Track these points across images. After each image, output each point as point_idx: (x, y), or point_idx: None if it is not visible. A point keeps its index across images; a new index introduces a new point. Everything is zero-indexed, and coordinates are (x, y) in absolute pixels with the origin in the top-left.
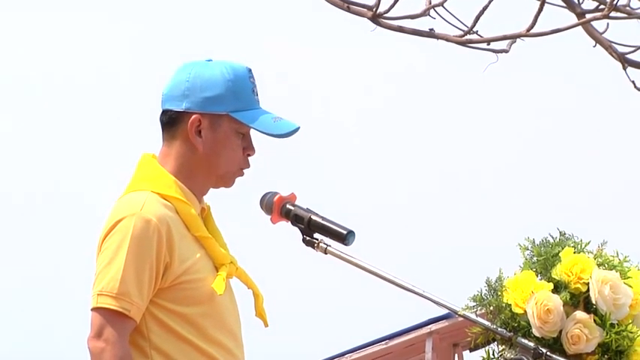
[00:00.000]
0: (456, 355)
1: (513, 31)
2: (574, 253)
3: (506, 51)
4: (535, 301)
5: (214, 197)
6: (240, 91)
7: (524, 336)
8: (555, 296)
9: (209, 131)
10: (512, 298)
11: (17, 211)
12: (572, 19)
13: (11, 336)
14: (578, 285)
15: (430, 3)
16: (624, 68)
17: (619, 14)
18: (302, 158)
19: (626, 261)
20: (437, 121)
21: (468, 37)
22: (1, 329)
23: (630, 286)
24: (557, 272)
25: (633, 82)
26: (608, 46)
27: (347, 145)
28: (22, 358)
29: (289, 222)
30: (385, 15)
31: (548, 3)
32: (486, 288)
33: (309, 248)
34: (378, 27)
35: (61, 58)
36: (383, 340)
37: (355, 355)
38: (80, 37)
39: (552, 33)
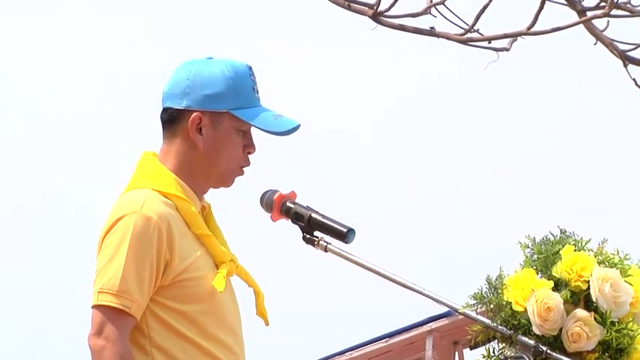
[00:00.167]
0: (457, 353)
1: (514, 29)
2: (574, 251)
3: (507, 49)
4: (535, 299)
5: (215, 196)
6: (241, 88)
7: (524, 334)
8: (556, 294)
9: (210, 129)
10: (513, 296)
11: (17, 211)
12: (573, 17)
13: (11, 336)
14: (579, 283)
15: (431, 1)
16: (625, 66)
17: (620, 12)
18: (302, 156)
19: (626, 259)
20: (437, 120)
21: (469, 35)
22: (1, 329)
23: (631, 284)
24: (558, 270)
25: (634, 79)
26: (609, 44)
27: (347, 144)
28: (22, 358)
29: (289, 220)
30: (386, 13)
31: (549, 1)
32: (487, 286)
33: (310, 246)
34: (379, 25)
35: (61, 58)
36: (383, 338)
37: (355, 353)
38: (80, 36)
39: (553, 31)
